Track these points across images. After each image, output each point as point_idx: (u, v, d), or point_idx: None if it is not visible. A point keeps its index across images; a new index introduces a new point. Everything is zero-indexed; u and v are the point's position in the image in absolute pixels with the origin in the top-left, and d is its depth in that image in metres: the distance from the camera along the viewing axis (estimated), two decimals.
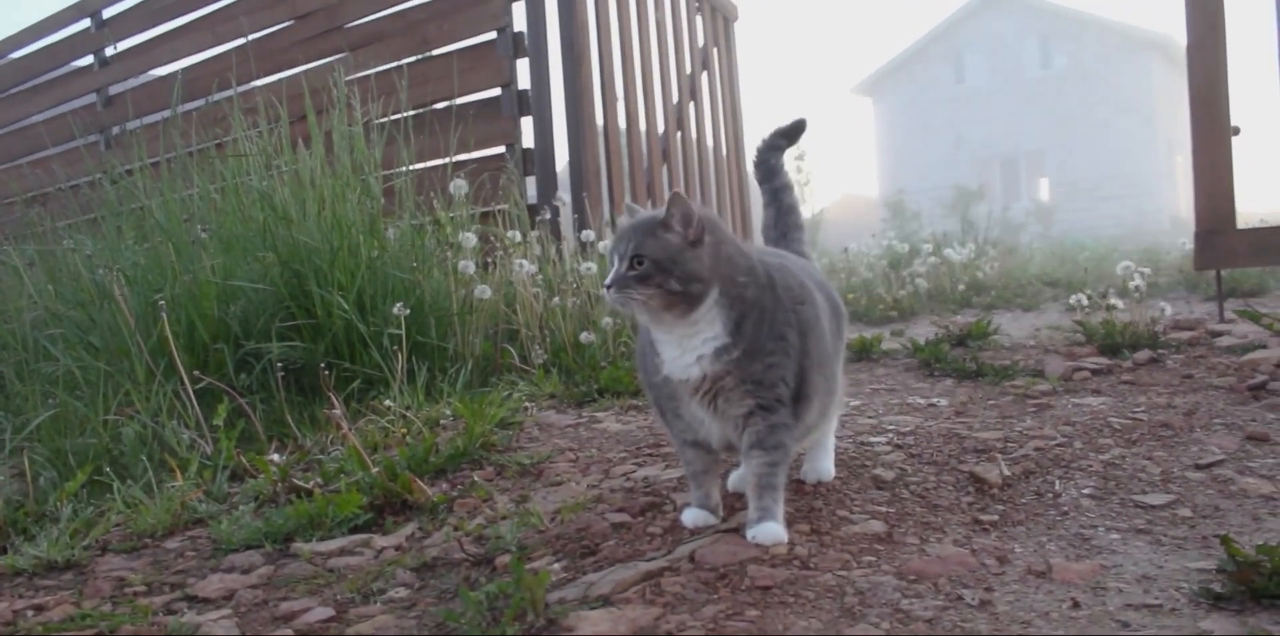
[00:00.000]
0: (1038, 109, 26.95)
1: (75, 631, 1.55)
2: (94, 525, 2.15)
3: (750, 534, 1.58)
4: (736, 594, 1.40)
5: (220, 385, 2.71)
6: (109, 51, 6.44)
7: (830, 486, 1.89)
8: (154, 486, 2.31)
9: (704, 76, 6.14)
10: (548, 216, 4.13)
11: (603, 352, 3.42)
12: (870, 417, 2.57)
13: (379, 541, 1.87)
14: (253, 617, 1.56)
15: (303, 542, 1.89)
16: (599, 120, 4.85)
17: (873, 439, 2.26)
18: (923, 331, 4.56)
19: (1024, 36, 27.48)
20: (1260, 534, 1.61)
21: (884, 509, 1.77)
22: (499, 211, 3.95)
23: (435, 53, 4.80)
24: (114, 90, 6.37)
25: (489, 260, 3.65)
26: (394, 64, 4.68)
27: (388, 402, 2.70)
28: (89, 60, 6.58)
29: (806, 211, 14.22)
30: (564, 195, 4.33)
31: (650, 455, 2.28)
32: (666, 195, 5.53)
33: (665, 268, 1.50)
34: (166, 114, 4.20)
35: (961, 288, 7.65)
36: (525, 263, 3.42)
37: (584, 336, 3.38)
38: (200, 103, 4.43)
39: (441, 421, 2.69)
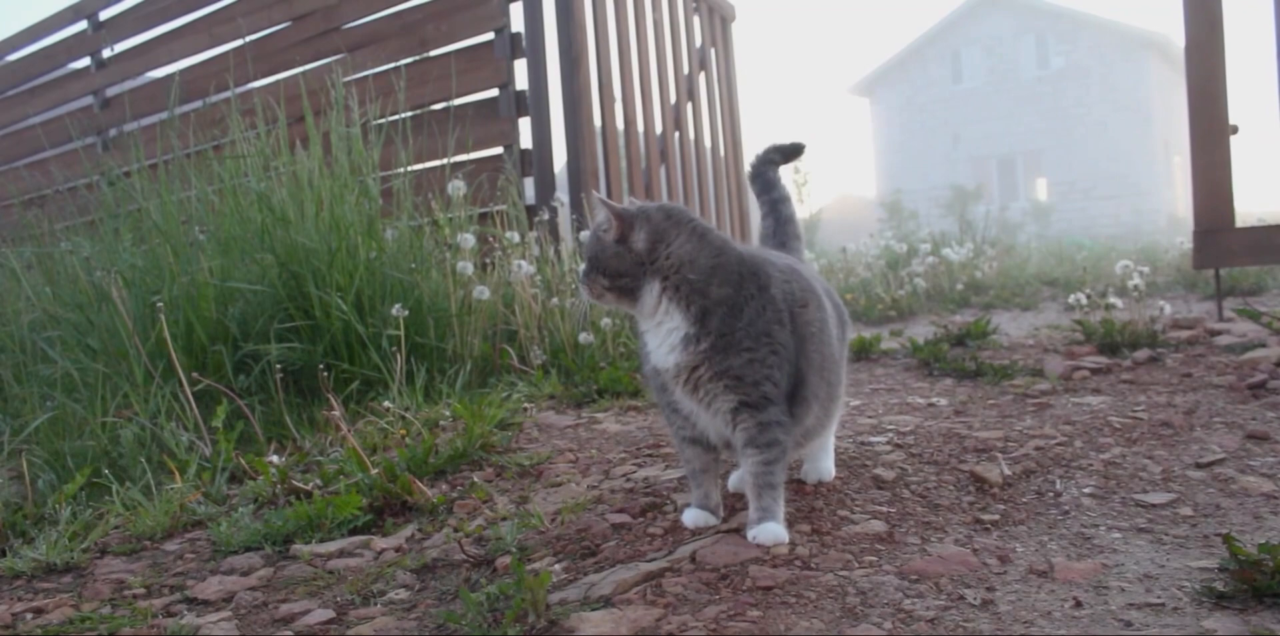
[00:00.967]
0: (1035, 109, 26.97)
1: (75, 634, 1.55)
2: (93, 527, 2.14)
3: (751, 534, 1.58)
4: (738, 594, 1.40)
5: (219, 387, 2.71)
6: (106, 53, 6.42)
7: (831, 486, 1.89)
8: (153, 488, 2.31)
9: (702, 77, 6.13)
10: (546, 217, 4.12)
11: (601, 353, 3.42)
12: (870, 417, 2.57)
13: (379, 543, 1.86)
14: (252, 619, 1.55)
15: (302, 544, 1.88)
16: (597, 121, 4.84)
17: (873, 438, 2.26)
18: (921, 331, 4.56)
19: (1021, 36, 27.49)
20: (1262, 532, 1.60)
21: (885, 508, 1.76)
22: (497, 212, 3.94)
23: (433, 53, 4.79)
24: (111, 92, 6.36)
25: (487, 261, 3.65)
26: (392, 65, 4.67)
27: (387, 404, 2.69)
28: (86, 62, 6.57)
29: (804, 211, 14.24)
30: (562, 196, 4.33)
31: (650, 455, 2.28)
32: (665, 196, 5.53)
33: (596, 265, 1.63)
34: (164, 116, 4.19)
35: (960, 287, 7.65)
36: (524, 263, 3.42)
37: (583, 337, 3.38)
38: (198, 104, 4.43)
39: (441, 422, 2.69)
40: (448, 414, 2.71)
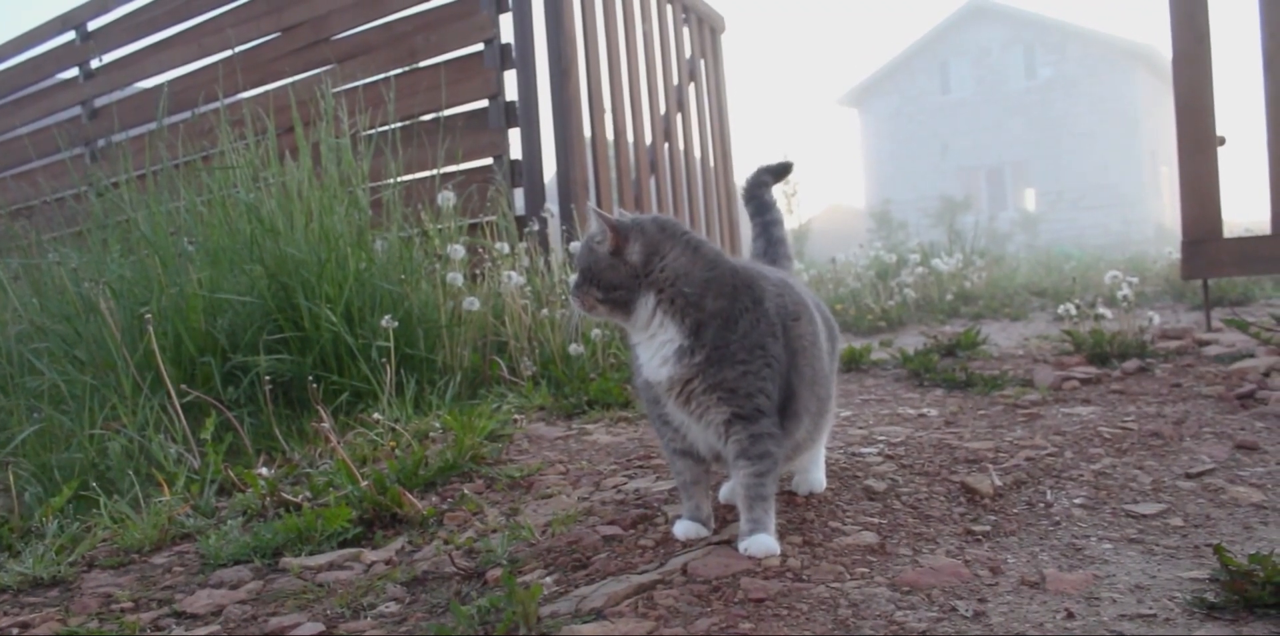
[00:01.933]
0: (1023, 119, 27.15)
1: None
2: (80, 541, 2.13)
3: (742, 546, 1.57)
4: (729, 606, 1.39)
5: (207, 398, 2.69)
6: (94, 64, 6.41)
7: (822, 498, 1.89)
8: (141, 501, 2.29)
9: (691, 88, 6.15)
10: (536, 228, 4.13)
11: (592, 364, 3.41)
12: (861, 428, 2.57)
13: (369, 555, 1.85)
14: (241, 633, 1.54)
15: (292, 557, 1.87)
16: (587, 131, 4.85)
17: (864, 449, 2.26)
18: (911, 341, 4.57)
19: (1009, 47, 27.69)
20: (1252, 543, 1.61)
21: (876, 520, 1.76)
22: (487, 223, 3.95)
23: (423, 64, 4.80)
24: (99, 102, 6.35)
25: (477, 272, 3.65)
26: (381, 76, 4.67)
27: (376, 415, 2.68)
28: (74, 72, 6.56)
29: (793, 222, 14.26)
30: (552, 206, 4.33)
31: (641, 467, 2.28)
32: (654, 206, 5.53)
33: (589, 277, 1.61)
34: (153, 126, 4.19)
35: (949, 297, 7.67)
36: (513, 274, 3.41)
37: (573, 348, 3.37)
38: (187, 115, 4.42)
39: (431, 434, 2.68)
40: (438, 425, 2.70)
